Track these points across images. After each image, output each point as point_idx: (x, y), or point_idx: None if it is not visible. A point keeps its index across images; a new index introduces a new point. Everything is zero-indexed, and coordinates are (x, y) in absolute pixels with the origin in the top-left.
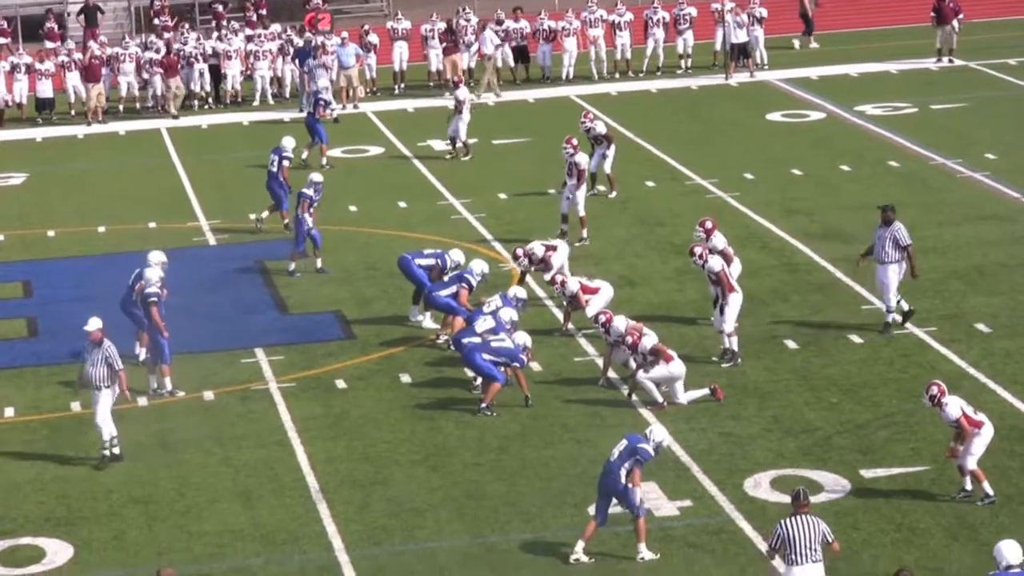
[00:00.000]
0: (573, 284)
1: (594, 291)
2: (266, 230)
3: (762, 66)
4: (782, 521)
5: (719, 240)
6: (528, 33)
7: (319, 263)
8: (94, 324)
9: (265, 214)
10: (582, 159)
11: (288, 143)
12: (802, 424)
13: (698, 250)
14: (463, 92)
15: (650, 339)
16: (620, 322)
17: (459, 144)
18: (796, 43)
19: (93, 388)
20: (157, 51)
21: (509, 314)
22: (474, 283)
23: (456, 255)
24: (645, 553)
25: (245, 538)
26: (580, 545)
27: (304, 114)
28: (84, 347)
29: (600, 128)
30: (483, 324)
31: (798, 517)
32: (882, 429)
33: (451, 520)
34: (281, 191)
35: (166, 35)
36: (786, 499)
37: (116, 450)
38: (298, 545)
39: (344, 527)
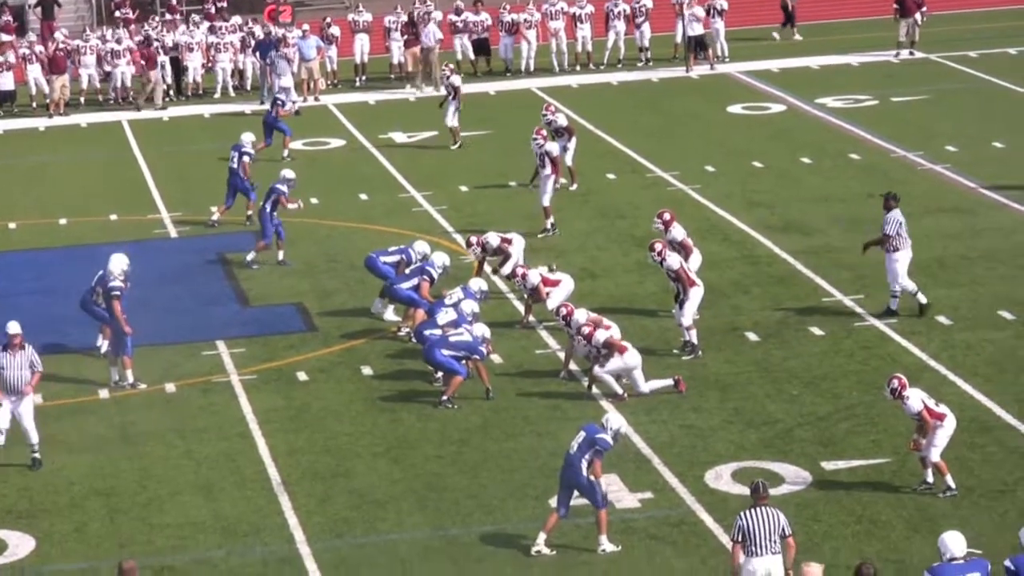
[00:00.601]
0: (534, 276)
1: (555, 283)
2: (223, 222)
3: (723, 59)
4: (742, 512)
5: (678, 231)
6: (489, 25)
7: (281, 255)
8: (15, 328)
9: (216, 216)
10: (553, 148)
11: (247, 138)
12: (763, 416)
13: (658, 247)
14: (457, 79)
15: (603, 333)
16: (581, 315)
17: (451, 127)
18: (776, 35)
19: (16, 393)
20: (119, 41)
21: (471, 306)
22: (435, 275)
23: (420, 247)
24: (606, 545)
25: (207, 530)
26: (542, 537)
27: (265, 106)
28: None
29: (561, 120)
30: (445, 316)
31: (758, 509)
32: (843, 421)
33: (412, 512)
34: (243, 185)
35: (132, 26)
36: (747, 491)
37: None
38: (260, 537)
39: (306, 519)
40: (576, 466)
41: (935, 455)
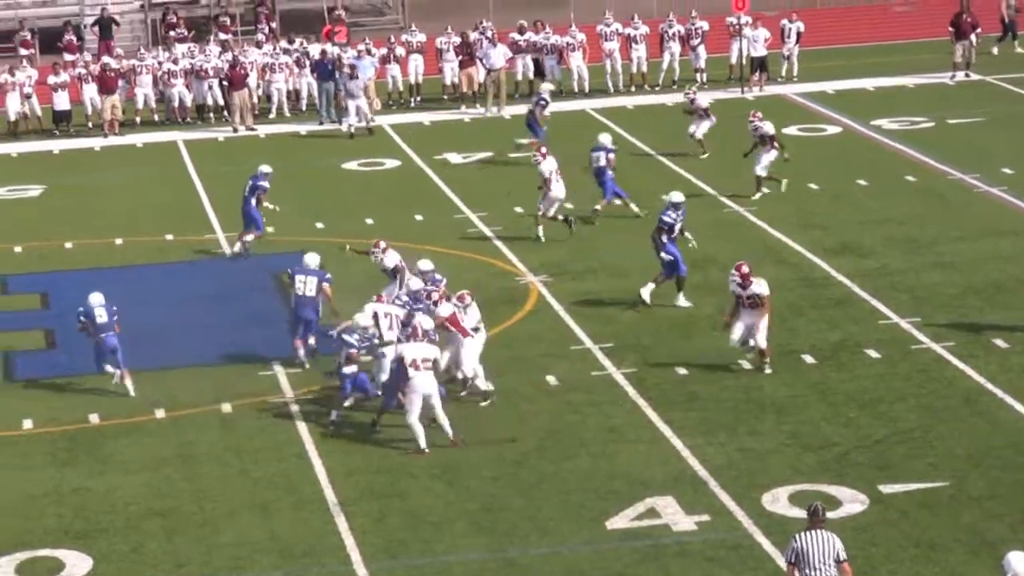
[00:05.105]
0: (445, 309)
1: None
2: (274, 241)
3: (792, 79)
4: (797, 535)
5: (760, 287)
6: (552, 46)
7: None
8: None
9: (250, 237)
10: (768, 127)
11: (264, 169)
12: (820, 439)
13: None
14: (701, 97)
15: (446, 307)
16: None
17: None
18: (995, 49)
19: None
20: (175, 61)
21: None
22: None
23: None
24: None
25: (263, 551)
26: None
27: (324, 127)
28: None
29: (768, 128)
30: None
31: (813, 532)
32: (900, 444)
33: (468, 534)
34: (255, 214)
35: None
36: (804, 514)
37: None
38: (316, 558)
39: (362, 540)
40: None
41: None
